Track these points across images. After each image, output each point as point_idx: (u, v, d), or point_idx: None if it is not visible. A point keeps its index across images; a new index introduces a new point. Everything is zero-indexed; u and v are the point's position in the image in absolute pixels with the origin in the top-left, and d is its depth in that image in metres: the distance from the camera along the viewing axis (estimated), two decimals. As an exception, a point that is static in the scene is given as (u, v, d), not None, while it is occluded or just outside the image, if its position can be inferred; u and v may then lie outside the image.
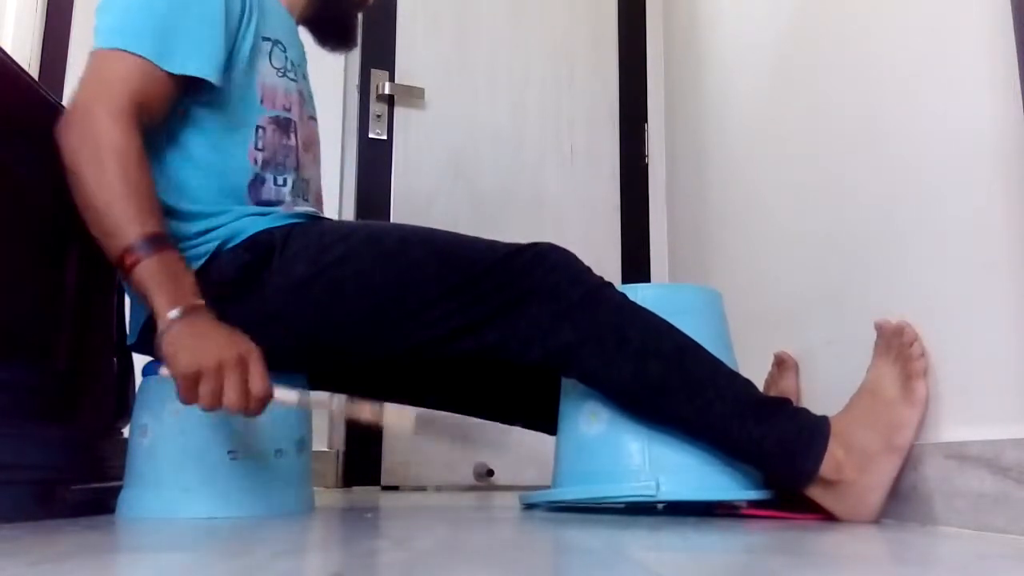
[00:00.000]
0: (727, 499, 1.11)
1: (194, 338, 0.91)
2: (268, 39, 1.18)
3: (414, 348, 1.10)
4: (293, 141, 1.21)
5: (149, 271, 0.94)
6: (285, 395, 0.94)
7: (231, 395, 0.90)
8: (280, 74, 1.20)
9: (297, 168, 1.22)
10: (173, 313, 0.92)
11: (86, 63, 1.04)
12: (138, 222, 0.96)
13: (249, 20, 1.15)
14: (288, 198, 1.19)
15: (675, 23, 2.37)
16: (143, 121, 1.03)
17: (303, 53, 1.30)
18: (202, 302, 0.96)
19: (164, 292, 0.93)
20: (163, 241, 0.97)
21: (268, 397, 0.92)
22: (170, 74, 1.05)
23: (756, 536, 0.85)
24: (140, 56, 1.03)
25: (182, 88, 1.08)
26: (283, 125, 1.19)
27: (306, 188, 1.26)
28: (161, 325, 0.92)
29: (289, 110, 1.20)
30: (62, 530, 0.88)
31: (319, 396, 0.96)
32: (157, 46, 1.04)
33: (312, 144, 1.29)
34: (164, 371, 0.92)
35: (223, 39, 1.10)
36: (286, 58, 1.21)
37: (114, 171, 0.97)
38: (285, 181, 1.19)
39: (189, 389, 0.89)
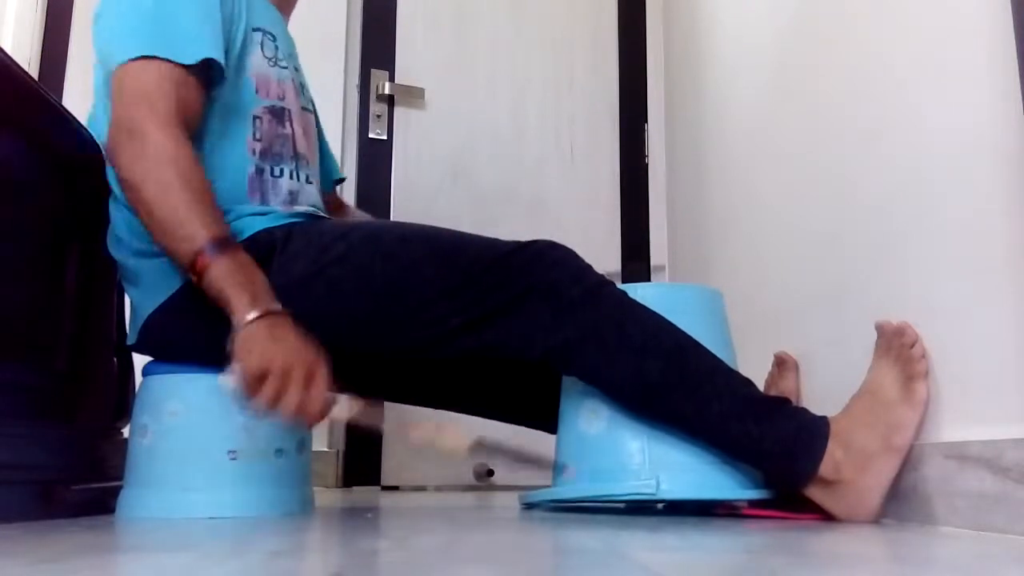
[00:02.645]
0: (727, 498, 1.11)
1: (269, 340, 0.93)
2: (258, 30, 1.19)
3: (414, 347, 1.10)
4: (289, 130, 1.21)
5: (223, 272, 0.96)
6: (340, 412, 0.96)
7: (289, 403, 0.92)
8: (272, 63, 1.20)
9: (296, 156, 1.22)
10: (252, 314, 0.94)
11: (116, 80, 1.05)
12: (205, 226, 0.98)
13: (240, 12, 1.16)
14: (286, 188, 1.19)
15: (675, 23, 2.37)
16: (188, 125, 1.04)
17: (293, 44, 1.30)
18: (280, 306, 0.98)
19: (242, 292, 0.96)
20: (232, 242, 1.00)
21: (325, 412, 0.95)
22: (191, 69, 1.06)
23: (756, 536, 0.85)
24: (163, 59, 1.04)
25: (205, 82, 1.09)
26: (278, 114, 1.19)
27: (314, 174, 1.26)
28: (237, 323, 0.94)
29: (283, 99, 1.21)
30: (62, 530, 0.88)
31: (369, 414, 0.98)
32: (171, 44, 1.05)
33: (311, 134, 1.29)
34: (226, 378, 0.93)
35: (221, 27, 1.11)
36: (276, 47, 1.22)
37: (174, 179, 0.99)
38: (282, 172, 1.19)
39: (253, 386, 0.92)
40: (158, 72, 1.03)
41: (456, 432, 0.98)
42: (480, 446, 0.97)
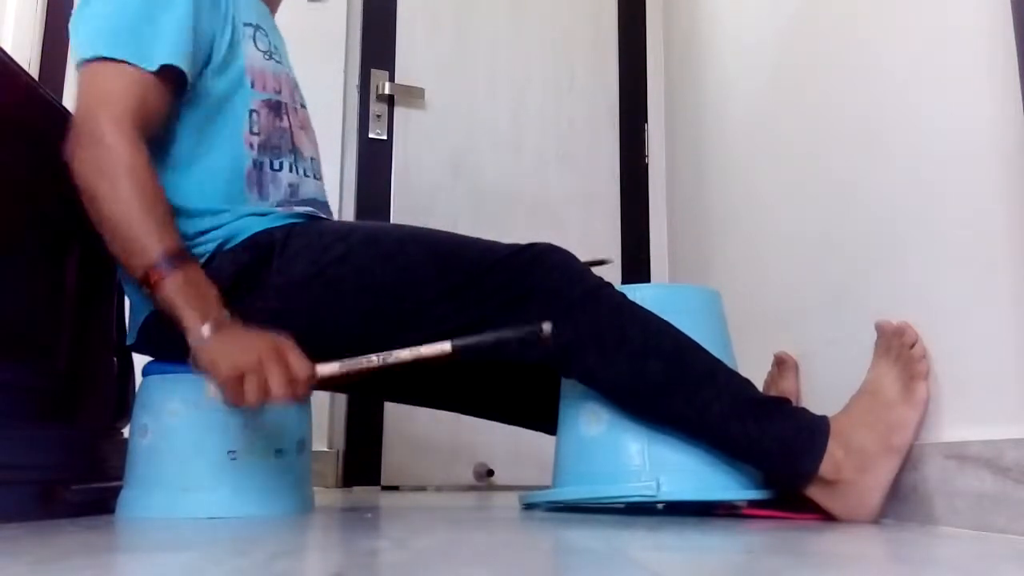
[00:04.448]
0: (727, 499, 1.11)
1: (228, 344, 0.93)
2: (249, 24, 1.18)
3: (414, 348, 1.10)
4: (286, 123, 1.20)
5: (175, 288, 0.96)
6: (328, 369, 0.95)
7: (277, 385, 0.91)
8: (267, 57, 1.20)
9: (294, 150, 1.21)
10: (205, 329, 0.93)
11: (78, 80, 1.04)
12: (158, 238, 0.97)
13: (228, 7, 1.15)
14: (286, 182, 1.18)
15: (675, 23, 2.37)
16: (146, 130, 1.03)
17: (283, 41, 1.30)
18: (227, 313, 0.97)
19: (193, 308, 0.95)
20: (184, 256, 0.99)
21: (312, 377, 0.93)
22: (155, 74, 1.04)
23: (756, 536, 0.85)
24: (123, 62, 1.02)
25: (171, 87, 1.07)
26: (275, 107, 1.19)
27: (311, 168, 1.25)
28: (194, 341, 0.94)
29: (279, 92, 1.20)
30: (62, 530, 0.88)
31: (358, 359, 0.96)
32: (135, 48, 1.04)
33: (308, 127, 1.29)
34: (212, 391, 0.93)
35: (192, 30, 1.09)
36: (269, 42, 1.22)
37: (128, 188, 0.98)
38: (281, 165, 1.18)
39: (236, 391, 0.91)
40: (119, 75, 1.02)
41: (436, 345, 0.96)
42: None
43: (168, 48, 1.06)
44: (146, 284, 0.97)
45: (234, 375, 0.90)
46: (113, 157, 0.99)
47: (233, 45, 1.15)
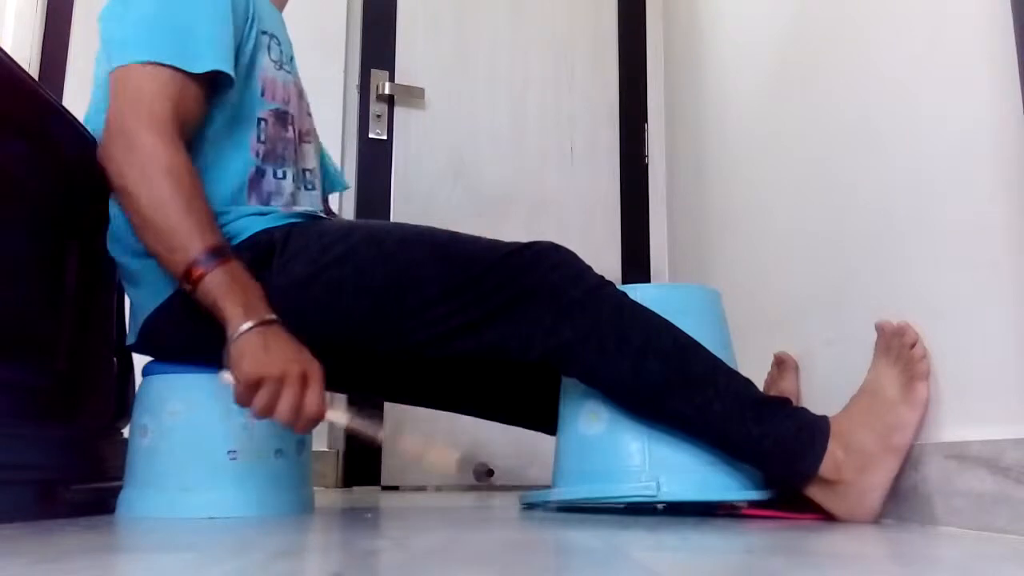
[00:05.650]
0: (727, 499, 1.11)
1: (263, 348, 0.93)
2: (265, 33, 1.19)
3: (414, 347, 1.10)
4: (291, 134, 1.21)
5: (218, 282, 0.96)
6: (336, 417, 0.96)
7: (284, 408, 0.92)
8: (278, 67, 1.20)
9: (296, 160, 1.22)
10: (245, 324, 0.93)
11: (115, 81, 1.04)
12: (199, 235, 0.97)
13: (252, 15, 1.15)
14: (288, 191, 1.19)
15: (675, 23, 2.37)
16: (184, 132, 1.03)
17: (291, 46, 1.30)
18: (275, 316, 0.97)
19: (236, 302, 0.95)
20: (226, 251, 0.99)
21: (319, 418, 0.94)
22: (197, 77, 1.04)
23: (756, 536, 0.85)
24: (169, 66, 1.03)
25: (209, 91, 1.08)
26: (282, 117, 1.20)
27: (311, 178, 1.26)
28: (232, 332, 0.94)
29: (287, 103, 1.21)
30: (62, 530, 0.88)
31: (368, 423, 0.97)
32: (180, 52, 1.04)
33: (311, 136, 1.29)
34: (225, 376, 0.93)
35: (232, 35, 1.10)
36: (281, 52, 1.22)
37: (167, 187, 0.98)
38: (285, 174, 1.19)
39: (247, 394, 0.92)
40: (161, 78, 1.02)
41: (444, 449, 0.98)
42: (466, 462, 0.96)
43: (214, 52, 1.06)
44: (187, 281, 0.97)
45: (253, 379, 0.91)
46: (149, 157, 0.99)
47: (252, 54, 1.15)
